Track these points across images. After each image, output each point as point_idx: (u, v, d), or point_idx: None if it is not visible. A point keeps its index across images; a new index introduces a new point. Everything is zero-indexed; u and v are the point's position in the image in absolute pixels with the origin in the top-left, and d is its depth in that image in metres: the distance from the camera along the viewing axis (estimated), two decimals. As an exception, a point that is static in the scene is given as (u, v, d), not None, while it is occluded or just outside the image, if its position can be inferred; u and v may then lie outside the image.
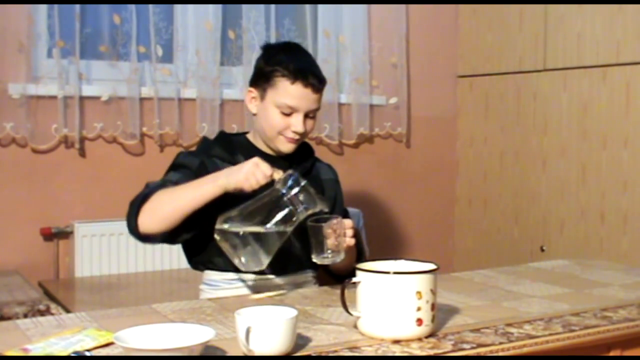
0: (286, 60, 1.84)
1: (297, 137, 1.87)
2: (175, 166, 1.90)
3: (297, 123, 1.84)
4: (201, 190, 1.69)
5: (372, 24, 3.56)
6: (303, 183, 1.61)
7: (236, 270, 1.86)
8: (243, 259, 1.62)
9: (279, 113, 1.84)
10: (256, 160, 1.68)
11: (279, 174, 1.66)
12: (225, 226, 1.59)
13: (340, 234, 1.65)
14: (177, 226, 1.73)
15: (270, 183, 1.66)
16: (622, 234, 3.06)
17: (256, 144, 1.95)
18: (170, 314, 1.56)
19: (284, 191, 1.61)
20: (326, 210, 1.65)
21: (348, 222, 1.69)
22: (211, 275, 1.91)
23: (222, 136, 2.00)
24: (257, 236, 1.60)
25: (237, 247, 1.60)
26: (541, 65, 3.38)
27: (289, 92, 1.83)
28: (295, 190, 1.61)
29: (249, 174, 1.65)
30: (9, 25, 2.81)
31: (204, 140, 2.01)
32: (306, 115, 1.86)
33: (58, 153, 2.93)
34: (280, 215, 1.60)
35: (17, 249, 2.87)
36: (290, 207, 1.61)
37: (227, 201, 1.68)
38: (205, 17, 3.13)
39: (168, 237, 1.77)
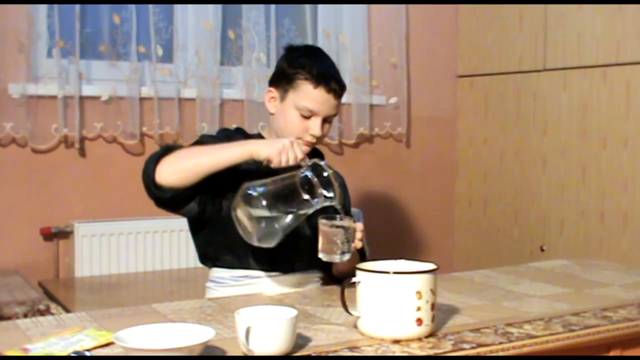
0: (310, 64, 1.84)
1: (313, 140, 1.87)
2: (197, 143, 1.87)
3: (315, 127, 1.85)
4: (228, 151, 1.68)
5: (372, 24, 3.56)
6: (329, 172, 1.61)
7: (243, 267, 1.87)
8: (257, 234, 1.59)
9: (298, 115, 1.85)
10: (293, 139, 1.69)
11: (305, 162, 1.67)
12: (248, 196, 1.57)
13: (350, 234, 1.65)
14: (190, 187, 1.69)
15: (294, 167, 1.66)
16: (622, 234, 3.06)
17: None
18: (170, 314, 1.56)
19: (309, 175, 1.61)
20: (338, 205, 1.64)
21: (359, 225, 1.71)
22: (218, 272, 1.91)
23: (242, 130, 2.01)
24: (275, 217, 1.60)
25: (253, 221, 1.58)
26: (541, 65, 3.38)
27: (311, 95, 1.83)
28: (319, 179, 1.61)
29: (284, 149, 1.65)
30: (9, 25, 2.81)
31: (224, 129, 2.03)
32: (324, 120, 1.87)
33: (58, 153, 2.93)
34: (302, 200, 1.60)
35: (17, 249, 2.87)
36: (311, 193, 1.60)
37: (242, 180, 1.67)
38: (205, 17, 3.13)
39: (178, 198, 1.73)
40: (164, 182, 1.70)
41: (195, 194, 1.74)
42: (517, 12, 3.49)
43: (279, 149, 1.65)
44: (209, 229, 1.87)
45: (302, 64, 1.85)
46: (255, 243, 1.62)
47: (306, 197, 1.60)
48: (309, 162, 1.66)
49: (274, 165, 1.66)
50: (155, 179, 1.69)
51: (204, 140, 1.88)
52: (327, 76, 1.85)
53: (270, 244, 1.63)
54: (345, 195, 2.09)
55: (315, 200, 1.61)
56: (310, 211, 1.63)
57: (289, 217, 1.61)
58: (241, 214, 1.59)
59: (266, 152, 1.66)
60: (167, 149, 1.73)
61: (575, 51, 3.22)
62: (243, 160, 1.68)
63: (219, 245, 1.87)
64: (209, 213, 1.81)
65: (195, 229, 1.92)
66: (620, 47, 3.04)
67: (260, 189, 1.58)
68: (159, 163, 1.70)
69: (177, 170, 1.69)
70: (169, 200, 1.74)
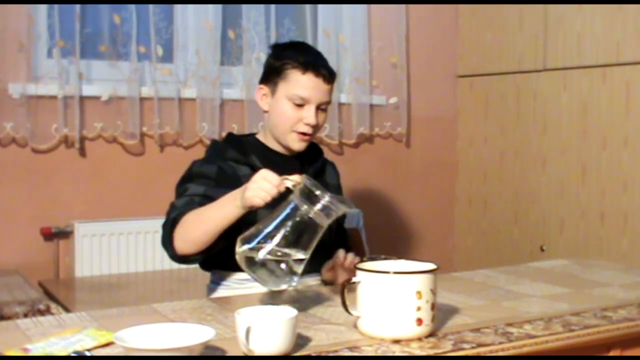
0: (296, 54, 1.86)
1: (309, 130, 1.86)
2: (192, 177, 1.85)
3: (309, 115, 1.85)
4: (224, 211, 1.64)
5: (372, 24, 3.56)
6: (317, 192, 1.46)
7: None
8: (270, 282, 1.48)
9: (291, 105, 1.85)
10: (263, 172, 1.56)
11: (291, 181, 1.53)
12: (245, 249, 1.47)
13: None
14: (212, 243, 1.71)
15: (285, 192, 1.53)
16: (622, 234, 3.06)
17: (267, 144, 1.94)
18: (170, 314, 1.56)
19: (299, 204, 1.46)
20: (350, 210, 1.51)
21: (349, 259, 1.78)
22: (221, 274, 1.90)
23: (233, 138, 1.99)
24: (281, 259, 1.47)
25: (261, 270, 1.47)
26: (541, 65, 3.38)
27: (300, 82, 1.84)
28: (312, 204, 1.46)
29: (256, 190, 1.54)
30: (9, 25, 2.81)
31: (215, 144, 1.98)
32: (318, 108, 1.86)
33: (58, 153, 2.93)
34: (304, 233, 1.47)
35: (17, 249, 2.87)
36: (312, 220, 1.46)
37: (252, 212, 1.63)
38: (205, 17, 3.13)
39: (206, 253, 1.76)
40: (187, 254, 1.73)
41: (217, 241, 1.72)
42: (517, 12, 3.49)
43: (252, 190, 1.55)
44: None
45: (289, 55, 1.87)
46: (279, 288, 1.51)
47: (308, 228, 1.47)
48: (295, 180, 1.52)
49: (260, 206, 1.56)
50: (179, 254, 1.73)
51: (197, 169, 1.85)
52: (314, 62, 1.86)
53: (290, 284, 1.50)
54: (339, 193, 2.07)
55: (319, 228, 1.47)
56: (318, 238, 1.49)
57: (297, 249, 1.47)
58: (248, 270, 1.49)
59: (246, 199, 1.56)
60: (173, 221, 1.73)
61: (575, 51, 3.22)
62: (239, 214, 1.62)
63: (222, 251, 1.86)
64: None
65: None
66: (620, 47, 3.04)
67: (255, 239, 1.47)
68: (173, 241, 1.72)
69: (192, 243, 1.71)
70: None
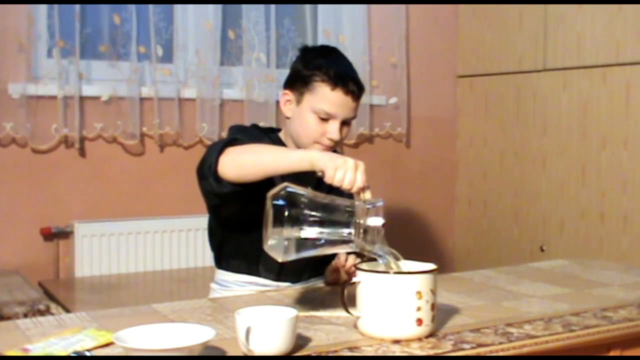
0: (326, 65, 1.78)
1: (331, 144, 1.81)
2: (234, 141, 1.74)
3: (333, 130, 1.79)
4: (289, 155, 1.55)
5: (372, 24, 3.56)
6: (381, 222, 1.42)
7: (251, 273, 1.85)
8: (272, 239, 1.41)
9: (315, 119, 1.78)
10: (360, 164, 1.50)
11: (369, 194, 1.50)
12: (283, 196, 1.39)
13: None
14: (248, 184, 1.57)
15: (345, 193, 1.48)
16: (622, 234, 3.06)
17: (288, 146, 1.89)
18: (170, 314, 1.56)
19: (357, 213, 1.42)
20: (381, 261, 1.45)
21: (350, 262, 1.76)
22: (224, 275, 1.89)
23: (262, 128, 1.94)
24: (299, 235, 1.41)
25: (276, 225, 1.39)
26: (541, 65, 3.38)
27: (328, 98, 1.77)
28: (365, 222, 1.41)
29: (341, 168, 1.46)
30: (9, 25, 2.81)
31: (244, 128, 1.91)
32: (343, 123, 1.80)
33: (58, 153, 2.93)
34: (339, 232, 1.42)
35: (17, 249, 2.87)
36: (353, 233, 1.41)
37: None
38: (205, 17, 3.13)
39: (236, 193, 1.61)
40: (223, 175, 1.58)
41: (244, 196, 1.62)
42: (517, 12, 3.49)
43: (338, 164, 1.47)
44: (227, 229, 1.83)
45: (319, 65, 1.78)
46: (265, 247, 1.44)
47: (344, 234, 1.41)
48: (366, 200, 1.47)
49: (326, 179, 1.48)
50: (218, 169, 1.58)
51: (242, 138, 1.75)
52: (345, 77, 1.78)
53: (277, 256, 1.44)
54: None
55: (350, 243, 1.42)
56: (332, 250, 1.47)
57: (310, 246, 1.43)
58: (267, 216, 1.41)
59: (322, 163, 1.48)
60: (231, 140, 1.63)
61: (575, 51, 3.22)
62: (302, 167, 1.51)
63: (232, 246, 1.85)
64: (243, 214, 1.71)
65: (215, 228, 1.88)
66: (620, 47, 3.04)
67: (297, 201, 1.40)
68: (222, 153, 1.58)
69: (237, 166, 1.57)
70: (224, 195, 1.63)
